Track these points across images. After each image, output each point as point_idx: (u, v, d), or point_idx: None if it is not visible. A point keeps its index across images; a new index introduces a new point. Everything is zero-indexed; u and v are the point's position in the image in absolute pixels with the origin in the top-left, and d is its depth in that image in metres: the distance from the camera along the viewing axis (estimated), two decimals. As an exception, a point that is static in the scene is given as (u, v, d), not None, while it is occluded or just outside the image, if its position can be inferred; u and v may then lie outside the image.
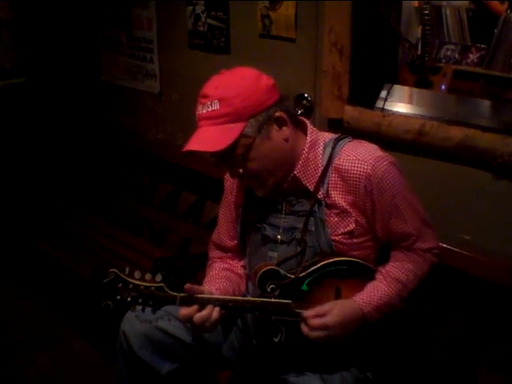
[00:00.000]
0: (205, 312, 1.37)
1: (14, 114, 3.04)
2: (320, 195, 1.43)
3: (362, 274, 1.47)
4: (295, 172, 1.42)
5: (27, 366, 2.48)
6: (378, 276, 1.47)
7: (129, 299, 1.37)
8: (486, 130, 1.70)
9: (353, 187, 1.40)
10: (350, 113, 1.92)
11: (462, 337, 1.81)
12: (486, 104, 1.96)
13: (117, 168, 3.01)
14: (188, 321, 1.38)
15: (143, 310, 1.40)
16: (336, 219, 1.43)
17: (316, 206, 1.43)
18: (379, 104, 1.95)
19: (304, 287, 1.43)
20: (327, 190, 1.42)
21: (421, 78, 2.25)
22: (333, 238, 1.44)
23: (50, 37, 3.04)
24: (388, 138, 1.85)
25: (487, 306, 1.75)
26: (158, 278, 1.38)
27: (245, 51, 2.26)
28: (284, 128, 1.38)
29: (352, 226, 1.42)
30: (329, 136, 1.49)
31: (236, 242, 1.66)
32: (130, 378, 1.63)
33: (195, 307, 1.37)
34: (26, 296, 2.94)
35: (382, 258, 1.54)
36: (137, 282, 1.37)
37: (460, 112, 1.88)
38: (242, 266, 1.69)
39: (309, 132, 1.45)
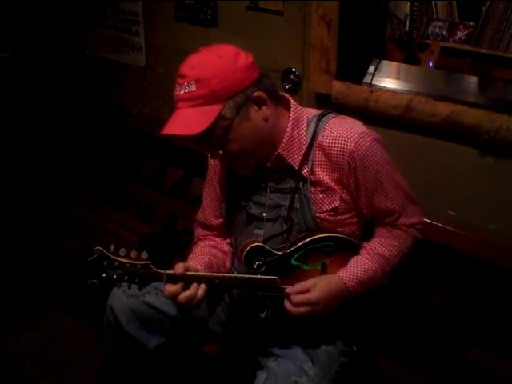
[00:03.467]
0: (189, 292, 1.37)
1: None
2: (305, 173, 1.42)
3: (347, 250, 1.48)
4: (279, 150, 1.41)
5: (14, 341, 2.48)
6: (362, 251, 1.49)
7: (114, 277, 1.37)
8: (473, 106, 1.70)
9: (337, 164, 1.40)
10: (338, 88, 1.91)
11: (446, 311, 1.84)
12: (473, 80, 1.96)
13: (102, 143, 2.98)
14: (173, 299, 1.39)
15: (129, 287, 1.40)
16: (321, 196, 1.43)
17: (301, 183, 1.44)
18: (367, 79, 1.95)
19: (291, 263, 1.44)
20: (312, 168, 1.42)
21: (408, 54, 2.25)
22: (318, 215, 1.44)
23: (34, 11, 2.98)
24: (375, 114, 1.85)
25: (472, 281, 1.78)
26: (144, 255, 1.38)
27: (232, 24, 2.23)
28: (263, 108, 1.36)
29: (337, 203, 1.43)
30: (312, 112, 1.48)
31: (221, 220, 1.66)
32: (119, 352, 1.64)
33: (181, 284, 1.37)
34: (13, 272, 2.93)
35: (368, 234, 1.55)
36: (122, 260, 1.37)
37: (447, 88, 1.89)
38: (227, 244, 1.69)
39: (292, 109, 1.44)
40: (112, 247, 1.38)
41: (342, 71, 1.94)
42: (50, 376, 2.29)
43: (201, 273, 1.43)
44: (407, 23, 2.40)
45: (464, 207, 1.79)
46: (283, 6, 2.03)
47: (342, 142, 1.38)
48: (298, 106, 1.47)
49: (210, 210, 1.67)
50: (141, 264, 1.37)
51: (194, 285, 1.38)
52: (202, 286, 1.39)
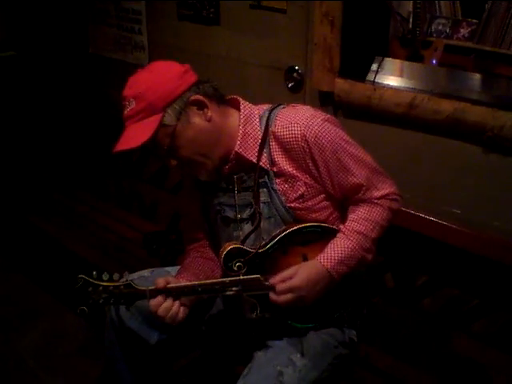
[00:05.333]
0: (166, 303, 1.39)
1: (3, 88, 3.00)
2: (265, 165, 1.44)
3: (326, 237, 1.47)
4: (236, 149, 1.42)
5: (18, 340, 2.48)
6: (339, 233, 1.47)
7: (101, 301, 1.40)
8: (477, 104, 1.70)
9: (292, 151, 1.41)
10: (341, 85, 1.91)
11: (449, 308, 1.84)
12: (476, 77, 1.95)
13: (105, 142, 2.97)
14: (156, 312, 1.41)
15: (118, 310, 1.45)
16: (286, 186, 1.44)
17: (266, 176, 1.45)
18: (370, 77, 1.94)
19: (270, 259, 1.44)
20: (271, 159, 1.44)
21: (412, 51, 2.24)
22: (288, 205, 1.45)
23: (38, 10, 2.99)
24: (379, 111, 1.85)
25: (476, 278, 1.77)
26: (126, 275, 1.42)
27: (235, 22, 2.23)
28: (205, 110, 1.38)
29: (302, 190, 1.44)
30: (264, 107, 1.50)
31: (204, 230, 1.67)
32: (121, 348, 1.65)
33: (163, 297, 1.39)
34: (16, 271, 2.94)
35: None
36: (105, 284, 1.40)
37: (451, 85, 1.88)
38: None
39: (241, 107, 1.46)
40: (94, 273, 1.41)
41: (345, 69, 1.94)
42: (53, 374, 2.29)
43: (182, 283, 1.44)
44: (410, 21, 2.39)
45: (468, 205, 1.79)
46: (286, 4, 2.02)
47: (293, 128, 1.39)
48: (248, 104, 1.48)
49: (192, 223, 1.68)
50: (124, 284, 1.40)
51: (170, 297, 1.40)
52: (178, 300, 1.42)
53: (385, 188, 1.49)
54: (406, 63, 2.06)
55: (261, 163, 1.43)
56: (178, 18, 2.43)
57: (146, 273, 1.70)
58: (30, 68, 3.05)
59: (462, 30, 2.85)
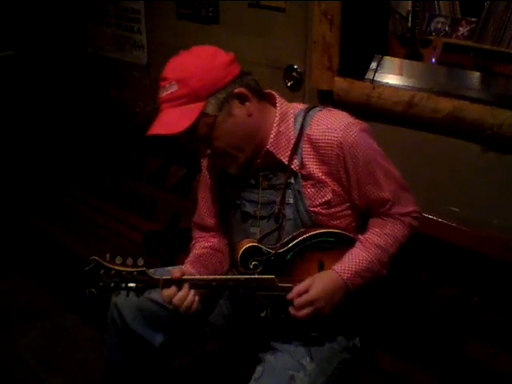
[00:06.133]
0: (181, 293, 1.38)
1: (2, 88, 3.00)
2: (295, 167, 1.42)
3: (343, 245, 1.47)
4: (267, 146, 1.41)
5: (18, 340, 2.48)
6: (358, 243, 1.47)
7: (112, 285, 1.37)
8: (476, 102, 1.70)
9: (326, 156, 1.39)
10: (340, 84, 1.91)
11: (449, 307, 1.84)
12: (475, 76, 1.96)
13: (105, 141, 2.98)
14: (170, 302, 1.39)
15: (127, 295, 1.40)
16: (313, 190, 1.43)
17: (292, 178, 1.43)
18: (369, 75, 1.95)
19: (286, 261, 1.43)
20: (301, 161, 1.42)
21: (411, 50, 2.24)
22: (311, 209, 1.43)
23: (37, 9, 2.98)
24: (378, 110, 1.85)
25: (475, 276, 1.77)
26: (140, 262, 1.39)
27: (234, 21, 2.23)
28: (247, 103, 1.36)
29: (329, 196, 1.42)
30: (299, 107, 1.48)
31: (217, 220, 1.65)
32: (123, 350, 1.64)
33: (175, 288, 1.38)
34: (16, 270, 2.94)
35: (364, 226, 1.54)
36: (118, 268, 1.37)
37: (450, 84, 1.88)
38: (225, 244, 1.68)
39: (278, 104, 1.43)
40: (108, 256, 1.39)
41: (344, 68, 1.94)
42: (54, 374, 2.29)
43: (197, 276, 1.44)
44: (409, 19, 2.39)
45: (466, 203, 1.79)
46: (285, 2, 2.03)
47: (329, 133, 1.38)
48: (284, 101, 1.47)
49: (205, 210, 1.66)
50: (137, 271, 1.37)
51: (185, 286, 1.38)
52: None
53: (409, 205, 1.49)
54: (405, 62, 2.07)
55: (291, 165, 1.42)
56: (177, 17, 2.43)
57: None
58: (28, 68, 3.05)
59: (461, 29, 2.86)
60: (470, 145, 1.74)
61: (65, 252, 2.46)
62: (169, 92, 1.31)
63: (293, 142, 1.41)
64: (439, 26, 2.89)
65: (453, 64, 2.45)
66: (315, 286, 1.37)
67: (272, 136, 1.40)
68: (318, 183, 1.42)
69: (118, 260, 1.37)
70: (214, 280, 1.42)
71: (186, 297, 1.38)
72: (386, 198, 1.45)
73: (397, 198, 1.47)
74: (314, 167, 1.41)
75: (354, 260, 1.42)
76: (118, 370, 1.69)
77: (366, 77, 1.95)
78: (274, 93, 1.47)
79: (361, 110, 1.89)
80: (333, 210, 1.44)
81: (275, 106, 1.44)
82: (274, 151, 1.41)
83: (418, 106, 1.76)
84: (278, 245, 1.44)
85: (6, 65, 3.00)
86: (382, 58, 1.97)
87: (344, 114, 1.45)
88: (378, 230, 1.47)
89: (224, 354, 1.72)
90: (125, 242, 2.45)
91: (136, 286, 1.38)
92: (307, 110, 1.45)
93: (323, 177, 1.41)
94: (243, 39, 2.23)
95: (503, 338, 1.73)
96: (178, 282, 1.38)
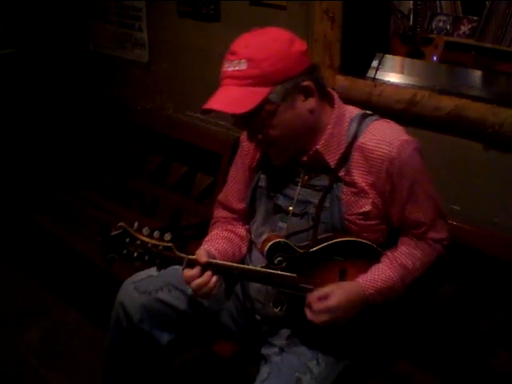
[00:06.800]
0: (203, 279, 1.35)
1: (4, 85, 3.01)
2: (340, 172, 1.39)
3: (369, 257, 1.44)
4: (318, 146, 1.37)
5: (18, 337, 2.48)
6: (385, 260, 1.45)
7: (135, 255, 1.34)
8: (477, 100, 1.70)
9: (375, 168, 1.36)
10: (342, 82, 1.91)
11: (454, 306, 1.83)
12: (477, 74, 1.96)
13: (106, 139, 2.98)
14: (189, 283, 1.37)
15: (145, 266, 1.37)
16: (352, 198, 1.40)
17: (334, 182, 1.40)
18: (370, 73, 1.95)
19: (312, 263, 1.41)
20: (348, 168, 1.38)
21: (412, 48, 2.25)
22: (347, 217, 1.40)
23: (38, 7, 2.99)
24: (379, 108, 1.84)
25: (476, 274, 1.77)
26: (167, 236, 1.35)
27: (235, 19, 2.23)
28: (310, 99, 1.32)
29: (368, 208, 1.39)
30: (355, 111, 1.44)
31: (244, 205, 1.61)
32: (126, 349, 1.61)
33: (196, 270, 1.35)
34: (16, 267, 2.94)
35: (389, 243, 1.51)
36: (145, 239, 1.34)
37: (451, 82, 1.89)
38: (246, 229, 1.65)
39: (336, 105, 1.40)
40: (136, 225, 1.36)
41: (345, 66, 1.94)
42: (54, 371, 2.29)
43: (220, 261, 1.40)
44: (411, 17, 2.39)
45: (468, 201, 1.79)
46: (286, 1, 2.02)
47: (385, 146, 1.34)
48: (342, 103, 1.43)
49: (234, 192, 1.63)
50: (163, 246, 1.34)
51: (208, 271, 1.36)
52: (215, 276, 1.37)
53: (442, 232, 1.48)
54: (407, 60, 2.07)
55: (337, 169, 1.39)
56: (178, 14, 2.43)
57: (153, 272, 1.59)
58: (30, 65, 3.05)
59: (462, 27, 2.85)
60: (472, 143, 1.73)
61: (65, 249, 2.46)
62: (236, 69, 1.26)
63: (344, 146, 1.38)
64: (441, 24, 2.88)
65: (454, 62, 2.45)
66: (337, 294, 1.35)
67: (324, 137, 1.37)
68: (360, 193, 1.39)
69: (146, 231, 1.35)
70: (237, 268, 1.40)
71: (207, 283, 1.36)
72: (423, 221, 1.43)
73: (433, 223, 1.45)
74: (359, 176, 1.38)
75: (380, 277, 1.40)
76: (119, 369, 1.67)
77: (368, 75, 1.95)
78: (333, 92, 1.44)
79: (362, 108, 1.89)
80: (368, 222, 1.41)
81: (333, 107, 1.40)
82: (323, 152, 1.38)
83: (420, 105, 1.76)
84: (307, 245, 1.41)
85: (7, 62, 3.00)
86: (383, 57, 1.97)
87: (400, 128, 1.42)
88: (407, 251, 1.45)
89: (227, 351, 1.70)
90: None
91: (160, 261, 1.35)
92: (363, 117, 1.41)
93: (366, 187, 1.38)
94: (244, 37, 2.22)
95: (503, 337, 1.72)
96: (202, 266, 1.35)
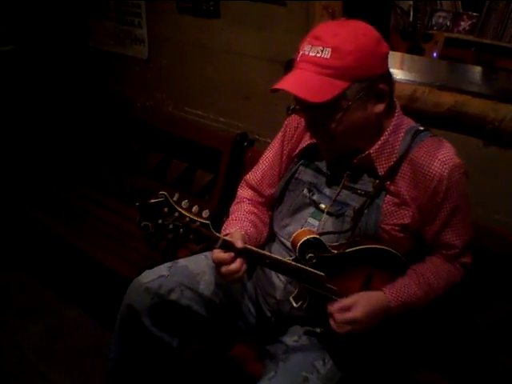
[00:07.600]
0: (235, 265, 1.32)
1: (3, 82, 3.01)
2: (386, 181, 1.38)
3: (395, 268, 1.43)
4: (371, 151, 1.36)
5: (19, 334, 2.48)
6: (412, 275, 1.43)
7: (170, 226, 1.28)
8: (477, 96, 1.70)
9: (422, 183, 1.35)
10: (342, 78, 1.90)
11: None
12: (477, 70, 1.96)
13: (106, 136, 2.98)
14: (218, 265, 1.34)
15: (175, 240, 1.35)
16: (393, 208, 1.38)
17: (378, 190, 1.39)
18: (371, 70, 1.94)
19: (340, 265, 1.39)
20: (395, 178, 1.37)
21: (412, 45, 2.25)
22: (383, 226, 1.38)
23: (38, 3, 2.98)
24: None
25: (476, 272, 1.77)
26: (206, 213, 1.31)
27: (235, 15, 2.22)
28: (381, 103, 1.31)
29: (407, 220, 1.38)
30: (410, 123, 1.43)
31: (273, 191, 1.59)
32: (135, 353, 1.58)
33: (229, 254, 1.32)
34: (17, 265, 2.94)
35: (413, 257, 1.49)
36: (183, 212, 1.28)
37: (451, 78, 1.89)
38: (269, 217, 1.62)
39: (396, 114, 1.39)
40: (176, 196, 1.30)
41: (345, 62, 1.93)
42: (55, 369, 2.29)
43: (253, 248, 1.36)
44: (411, 14, 2.40)
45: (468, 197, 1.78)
46: (286, -3, 2.02)
47: (438, 164, 1.33)
48: (401, 113, 1.42)
49: (267, 175, 1.60)
50: (201, 222, 1.30)
51: (239, 260, 1.33)
52: (245, 265, 1.35)
53: (469, 257, 1.48)
54: (407, 56, 2.07)
55: (384, 177, 1.37)
56: (178, 11, 2.42)
57: (164, 271, 1.56)
58: (29, 62, 3.05)
59: (462, 24, 2.85)
60: (472, 139, 1.73)
61: (65, 246, 2.46)
62: (319, 56, 1.22)
63: (395, 156, 1.37)
64: (441, 20, 2.89)
65: (454, 58, 2.46)
66: (361, 305, 1.33)
67: (379, 142, 1.36)
68: (402, 204, 1.38)
69: (185, 204, 1.30)
70: (269, 258, 1.37)
71: (239, 269, 1.33)
72: (456, 244, 1.43)
73: (465, 248, 1.45)
74: (404, 188, 1.37)
75: (407, 291, 1.39)
76: (123, 369, 1.63)
77: (368, 71, 1.94)
78: (396, 101, 1.42)
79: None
80: (402, 234, 1.40)
81: (393, 115, 1.39)
82: (374, 158, 1.37)
83: (420, 101, 1.76)
84: (341, 247, 1.39)
85: (7, 59, 3.00)
86: (383, 53, 1.96)
87: (453, 150, 1.39)
88: (435, 270, 1.45)
89: (230, 347, 1.69)
90: (126, 236, 2.45)
91: (194, 237, 1.30)
92: (419, 131, 1.40)
93: (410, 200, 1.37)
94: (244, 33, 2.22)
95: (502, 332, 1.72)
96: (237, 251, 1.32)
